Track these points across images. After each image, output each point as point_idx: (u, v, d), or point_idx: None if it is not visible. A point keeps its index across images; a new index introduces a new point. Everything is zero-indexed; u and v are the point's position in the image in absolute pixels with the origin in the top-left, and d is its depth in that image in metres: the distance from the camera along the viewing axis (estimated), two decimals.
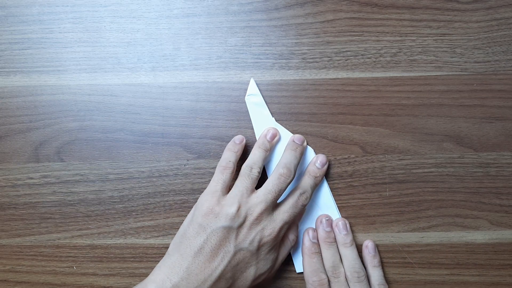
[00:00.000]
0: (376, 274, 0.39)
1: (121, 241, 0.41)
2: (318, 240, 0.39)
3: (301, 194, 0.38)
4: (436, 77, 0.41)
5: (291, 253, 0.40)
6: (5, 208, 0.42)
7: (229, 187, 0.37)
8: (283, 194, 0.38)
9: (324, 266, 0.38)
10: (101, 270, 0.41)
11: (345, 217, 0.41)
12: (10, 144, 0.42)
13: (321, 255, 0.38)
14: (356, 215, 0.41)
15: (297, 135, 0.40)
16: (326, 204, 0.40)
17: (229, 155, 0.38)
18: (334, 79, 0.41)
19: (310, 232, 0.39)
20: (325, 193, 0.41)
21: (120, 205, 0.41)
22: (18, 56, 0.42)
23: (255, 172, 0.37)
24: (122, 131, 0.42)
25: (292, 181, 0.38)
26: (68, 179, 0.42)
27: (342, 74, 0.41)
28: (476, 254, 0.40)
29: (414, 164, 0.41)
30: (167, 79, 0.42)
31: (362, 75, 0.41)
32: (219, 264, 0.34)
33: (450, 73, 0.41)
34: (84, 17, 0.42)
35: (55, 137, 0.42)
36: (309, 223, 0.40)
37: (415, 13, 0.41)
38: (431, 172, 0.41)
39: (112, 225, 0.41)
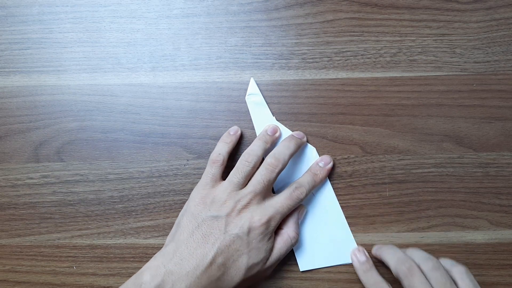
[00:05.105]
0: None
1: (121, 241, 0.41)
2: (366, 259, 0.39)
3: (296, 188, 0.38)
4: (436, 77, 0.41)
5: (295, 251, 0.40)
6: (5, 208, 0.42)
7: (219, 178, 0.38)
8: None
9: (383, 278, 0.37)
10: (101, 270, 0.41)
11: (345, 217, 0.41)
12: (10, 144, 0.42)
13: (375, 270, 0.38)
14: (356, 215, 0.41)
15: (297, 131, 0.40)
16: (330, 205, 0.40)
17: (221, 147, 0.39)
18: (334, 79, 0.41)
19: (357, 254, 0.39)
20: (329, 195, 0.41)
21: (120, 205, 0.41)
22: (18, 56, 0.42)
23: (251, 164, 0.37)
24: (122, 131, 0.42)
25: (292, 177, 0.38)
26: (68, 179, 0.42)
27: (342, 74, 0.41)
28: (475, 254, 0.40)
29: (414, 164, 0.41)
30: (167, 79, 0.42)
31: (362, 75, 0.41)
32: (210, 250, 0.34)
33: (449, 73, 0.41)
34: (84, 17, 0.43)
35: (55, 137, 0.42)
36: (312, 224, 0.40)
37: (415, 13, 0.41)
38: (430, 172, 0.41)
39: (112, 225, 0.41)
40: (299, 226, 0.39)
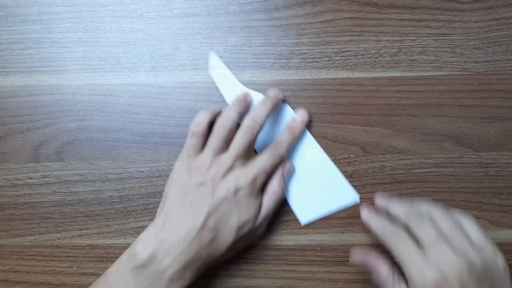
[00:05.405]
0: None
1: (121, 241, 0.41)
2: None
3: (276, 146, 0.39)
4: (436, 77, 0.41)
5: (292, 207, 0.40)
6: (5, 208, 0.42)
7: (200, 148, 0.38)
8: None
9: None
10: (101, 270, 0.41)
11: (345, 217, 0.41)
12: (10, 144, 0.42)
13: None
14: (356, 215, 0.41)
15: (273, 89, 0.40)
16: (314, 154, 0.41)
17: (200, 117, 0.39)
18: (334, 79, 0.41)
19: (363, 208, 0.38)
20: (311, 145, 0.41)
21: (120, 205, 0.41)
22: (18, 56, 0.42)
23: (228, 127, 0.37)
24: (122, 131, 0.42)
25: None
26: (68, 179, 0.42)
27: (342, 74, 0.41)
28: None
29: (414, 164, 0.41)
30: (167, 79, 0.42)
31: (362, 75, 0.41)
32: (199, 216, 0.35)
33: (450, 73, 0.41)
34: (84, 17, 0.43)
35: (55, 137, 0.42)
36: (301, 176, 0.40)
37: (415, 13, 0.41)
38: (430, 172, 0.41)
39: (112, 225, 0.41)
40: (284, 180, 0.39)
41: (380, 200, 0.39)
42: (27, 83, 0.42)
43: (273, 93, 0.40)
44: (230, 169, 0.37)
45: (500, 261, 0.33)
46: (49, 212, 0.42)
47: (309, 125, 0.41)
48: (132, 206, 0.41)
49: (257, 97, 0.41)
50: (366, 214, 0.37)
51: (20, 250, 0.42)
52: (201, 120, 0.39)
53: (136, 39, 0.42)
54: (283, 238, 0.41)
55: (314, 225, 0.41)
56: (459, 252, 0.32)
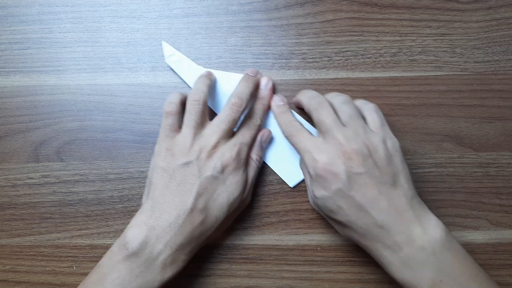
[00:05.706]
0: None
1: None
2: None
3: (250, 117, 0.39)
4: (436, 77, 0.41)
5: (278, 173, 0.41)
6: (5, 208, 0.42)
7: (177, 127, 0.38)
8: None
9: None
10: None
11: None
12: (10, 144, 0.42)
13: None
14: None
15: (251, 69, 0.41)
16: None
17: (173, 97, 0.38)
18: (334, 79, 0.41)
19: (275, 98, 0.40)
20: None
21: (120, 205, 0.41)
22: (18, 56, 0.42)
23: (201, 101, 0.37)
24: (122, 131, 0.42)
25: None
26: (68, 179, 0.42)
27: (342, 74, 0.41)
28: (476, 254, 0.40)
29: (414, 164, 0.41)
30: (167, 79, 0.42)
31: (362, 75, 0.41)
32: (188, 197, 0.35)
33: (450, 73, 0.41)
34: (84, 17, 0.43)
35: (55, 137, 0.42)
36: (279, 143, 0.41)
37: (415, 13, 0.41)
38: (431, 172, 0.41)
39: (112, 225, 0.41)
40: (262, 148, 0.40)
41: (294, 98, 0.40)
42: (27, 83, 0.42)
43: (253, 72, 0.40)
44: (214, 147, 0.36)
45: (390, 142, 0.34)
46: (49, 212, 0.42)
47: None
48: (132, 206, 0.41)
49: (222, 76, 0.41)
50: (275, 108, 0.40)
51: (20, 250, 0.42)
52: (173, 99, 0.38)
53: (136, 39, 0.42)
54: (283, 238, 0.41)
55: (314, 225, 0.41)
56: (350, 137, 0.34)
